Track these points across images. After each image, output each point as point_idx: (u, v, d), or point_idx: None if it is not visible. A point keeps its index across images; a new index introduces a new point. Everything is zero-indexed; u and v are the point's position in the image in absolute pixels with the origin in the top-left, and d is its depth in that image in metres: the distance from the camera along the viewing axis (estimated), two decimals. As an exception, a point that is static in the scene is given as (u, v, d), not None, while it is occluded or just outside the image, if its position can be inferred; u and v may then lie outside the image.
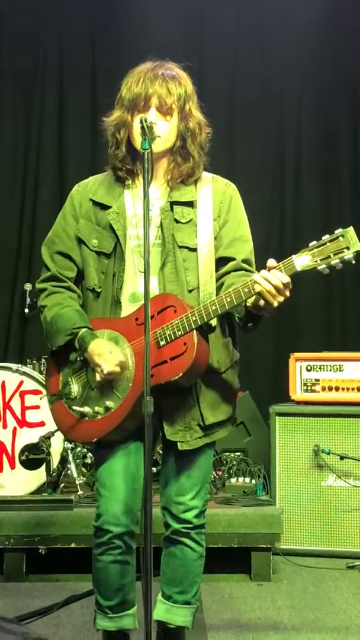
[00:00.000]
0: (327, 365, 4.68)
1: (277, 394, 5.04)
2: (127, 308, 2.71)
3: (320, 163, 5.94)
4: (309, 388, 4.69)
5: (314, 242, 2.44)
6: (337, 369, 4.67)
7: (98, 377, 2.64)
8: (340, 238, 2.40)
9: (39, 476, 4.45)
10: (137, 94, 2.65)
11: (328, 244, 2.41)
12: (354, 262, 2.41)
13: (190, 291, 2.68)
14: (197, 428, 2.70)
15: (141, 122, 2.52)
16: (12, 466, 4.51)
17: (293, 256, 2.45)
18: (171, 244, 2.70)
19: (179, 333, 2.55)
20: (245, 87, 5.96)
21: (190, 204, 2.74)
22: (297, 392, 4.70)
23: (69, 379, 2.74)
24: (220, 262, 2.74)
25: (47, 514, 4.13)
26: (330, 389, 4.66)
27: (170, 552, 2.81)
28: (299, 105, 5.95)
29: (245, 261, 2.74)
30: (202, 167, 2.78)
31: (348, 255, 2.39)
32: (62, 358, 2.76)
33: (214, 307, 2.53)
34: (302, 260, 2.44)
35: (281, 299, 2.47)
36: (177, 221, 2.71)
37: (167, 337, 2.56)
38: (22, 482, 4.48)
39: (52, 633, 3.41)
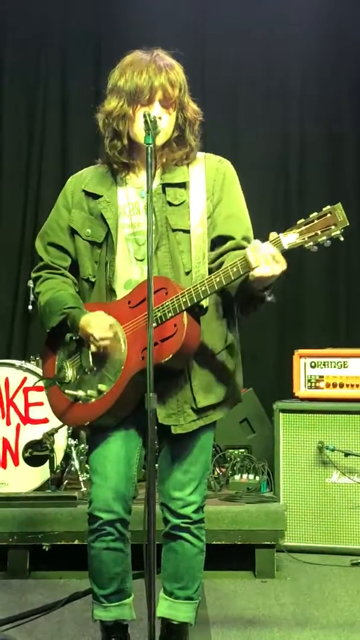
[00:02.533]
0: (331, 362, 4.67)
1: (281, 390, 5.02)
2: (122, 295, 2.70)
3: (323, 160, 5.92)
4: (313, 384, 4.68)
5: (302, 220, 2.42)
6: (341, 365, 4.66)
7: (93, 348, 2.64)
8: (328, 215, 2.39)
9: (43, 473, 4.44)
10: (141, 87, 2.63)
11: (316, 221, 2.40)
12: (342, 239, 2.39)
13: (187, 273, 2.67)
14: (190, 411, 2.67)
15: (145, 117, 2.49)
16: (16, 463, 4.50)
17: (280, 234, 2.43)
18: (164, 227, 2.68)
19: (170, 315, 2.53)
20: (248, 84, 5.95)
21: (182, 185, 2.72)
22: (301, 389, 4.69)
23: (64, 363, 2.76)
24: (219, 240, 2.71)
25: (50, 511, 4.13)
26: (334, 385, 4.65)
27: (171, 547, 2.80)
28: (302, 102, 5.93)
29: (244, 239, 2.70)
30: (197, 150, 2.77)
31: (335, 232, 2.37)
32: (57, 343, 2.79)
33: (203, 288, 2.51)
34: (289, 238, 2.42)
35: (276, 268, 2.42)
36: (170, 204, 2.70)
37: (158, 319, 2.54)
38: (26, 478, 4.47)
39: (55, 630, 3.41)
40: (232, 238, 2.70)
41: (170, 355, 2.51)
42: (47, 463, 4.38)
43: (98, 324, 2.62)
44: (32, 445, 4.43)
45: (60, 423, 4.45)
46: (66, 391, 2.72)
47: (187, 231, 2.68)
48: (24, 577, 4.09)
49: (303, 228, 2.41)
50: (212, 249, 2.71)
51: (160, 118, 2.61)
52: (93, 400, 2.66)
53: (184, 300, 2.51)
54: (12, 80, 5.89)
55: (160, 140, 2.62)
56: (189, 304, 2.52)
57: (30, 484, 4.46)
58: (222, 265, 2.61)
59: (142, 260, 2.67)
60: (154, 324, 2.51)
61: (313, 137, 5.93)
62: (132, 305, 2.62)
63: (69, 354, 2.76)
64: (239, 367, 2.84)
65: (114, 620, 2.79)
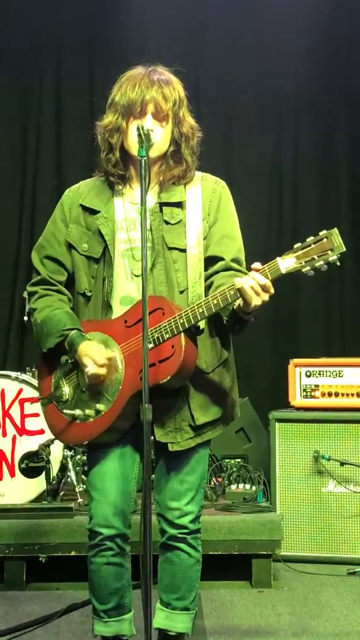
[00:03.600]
0: (326, 371, 4.68)
1: (276, 400, 5.03)
2: (119, 311, 2.72)
3: (318, 166, 5.96)
4: (308, 394, 4.69)
5: (299, 244, 2.44)
6: (336, 374, 4.66)
7: (86, 378, 2.66)
8: (324, 239, 2.40)
9: (39, 484, 4.44)
10: (133, 100, 2.66)
11: (312, 245, 2.41)
12: (338, 264, 2.41)
13: (181, 292, 2.69)
14: (187, 429, 2.70)
15: (138, 129, 2.52)
16: (12, 474, 4.50)
17: (278, 258, 2.45)
18: (160, 246, 2.70)
19: (167, 336, 2.55)
20: (242, 91, 5.98)
21: (179, 205, 2.74)
22: (296, 398, 4.70)
23: (60, 381, 2.76)
24: (210, 260, 2.73)
25: (47, 522, 4.12)
26: (330, 394, 4.65)
27: (167, 558, 2.80)
28: (296, 109, 5.97)
29: (234, 260, 2.74)
30: (194, 170, 2.79)
31: (332, 257, 2.39)
32: (53, 361, 2.77)
33: (200, 310, 2.53)
34: (286, 263, 2.44)
35: (259, 301, 2.46)
36: (166, 222, 2.72)
37: (156, 339, 2.55)
38: (22, 490, 4.47)
39: (52, 641, 3.41)
40: (222, 259, 2.72)
41: (169, 377, 2.54)
42: (44, 474, 4.38)
43: (95, 360, 2.63)
44: (28, 456, 4.44)
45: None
46: (64, 411, 2.72)
47: (183, 250, 2.71)
48: (21, 589, 4.08)
49: (300, 252, 2.42)
50: (205, 268, 2.73)
51: (152, 130, 2.62)
52: (91, 419, 2.67)
53: (182, 321, 2.53)
54: (6, 91, 5.91)
55: (154, 152, 2.64)
56: (187, 326, 2.53)
57: (26, 495, 4.46)
58: (211, 286, 2.67)
59: (139, 276, 2.67)
60: (151, 345, 2.53)
61: (307, 148, 5.96)
62: (128, 324, 2.64)
63: (65, 372, 2.76)
64: (235, 382, 2.86)
65: (114, 635, 2.80)
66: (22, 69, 5.92)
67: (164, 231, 2.71)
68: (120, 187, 2.79)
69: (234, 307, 2.54)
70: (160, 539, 2.80)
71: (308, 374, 4.70)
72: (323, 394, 4.66)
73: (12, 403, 4.55)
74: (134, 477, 2.76)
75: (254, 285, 2.44)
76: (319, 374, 4.69)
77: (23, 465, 4.46)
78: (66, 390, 2.74)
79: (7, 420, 4.55)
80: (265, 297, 2.46)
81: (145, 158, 2.49)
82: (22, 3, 5.86)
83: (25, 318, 5.31)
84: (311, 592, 4.04)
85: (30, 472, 4.45)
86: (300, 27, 5.88)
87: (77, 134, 5.85)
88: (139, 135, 2.51)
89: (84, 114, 5.82)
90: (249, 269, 2.52)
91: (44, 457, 4.36)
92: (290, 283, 5.41)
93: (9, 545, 4.08)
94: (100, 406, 2.65)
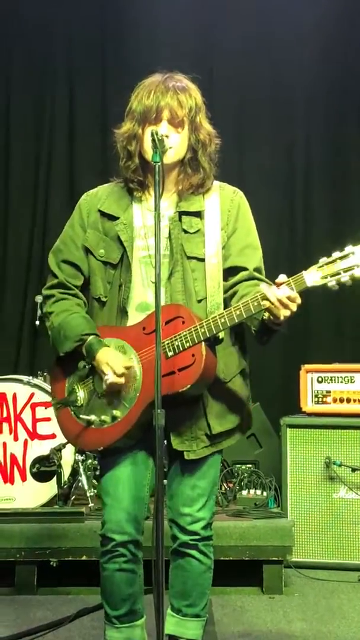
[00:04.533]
0: (338, 377, 4.67)
1: (288, 405, 5.03)
2: (135, 317, 2.72)
3: (330, 171, 5.93)
4: (320, 399, 4.68)
5: (324, 259, 2.46)
6: (348, 380, 4.66)
7: (104, 385, 2.66)
8: (351, 255, 2.43)
9: (50, 488, 4.44)
10: (149, 107, 2.67)
11: (338, 261, 2.44)
12: None
13: (199, 301, 2.70)
14: (203, 437, 2.70)
15: (152, 135, 2.52)
16: (24, 478, 4.51)
17: (304, 272, 2.47)
18: (179, 255, 2.71)
19: (187, 344, 2.56)
20: (254, 102, 5.97)
21: (198, 214, 2.75)
22: (308, 404, 4.69)
23: (75, 386, 2.75)
24: (232, 271, 2.75)
25: (58, 527, 4.13)
26: (341, 400, 4.65)
27: (179, 564, 2.80)
28: (308, 114, 5.95)
29: (256, 270, 2.77)
30: (213, 178, 2.80)
31: (359, 272, 2.42)
32: (68, 364, 2.77)
33: (222, 320, 2.55)
34: (312, 277, 2.47)
35: (287, 312, 2.49)
36: (185, 231, 2.73)
37: (176, 348, 2.58)
38: (33, 494, 4.48)
39: (63, 646, 3.42)
40: (245, 269, 2.74)
41: (189, 385, 2.56)
42: (55, 478, 4.38)
43: (114, 369, 2.63)
44: (39, 460, 4.44)
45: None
46: (80, 416, 2.71)
47: (202, 259, 2.71)
48: (32, 593, 4.08)
49: (325, 267, 2.45)
50: (225, 279, 2.74)
51: (167, 136, 2.63)
52: (106, 425, 2.67)
53: (202, 331, 2.55)
54: (19, 96, 5.94)
55: (170, 159, 2.65)
56: (208, 335, 2.55)
57: (37, 499, 4.46)
58: (234, 296, 2.69)
59: (155, 283, 2.69)
60: (171, 353, 2.57)
61: (319, 155, 5.94)
62: (147, 332, 2.64)
63: (80, 377, 2.75)
64: (250, 391, 2.89)
65: None
66: (34, 73, 5.94)
67: (183, 240, 2.72)
68: (139, 194, 2.79)
69: (264, 318, 2.55)
70: (172, 545, 2.80)
71: (320, 379, 4.70)
72: (335, 400, 4.65)
73: (23, 407, 4.56)
74: (147, 483, 2.75)
75: (282, 298, 2.46)
76: (331, 379, 4.68)
77: (34, 470, 4.46)
78: (81, 395, 2.73)
79: (19, 424, 4.56)
80: (294, 307, 2.48)
81: (159, 163, 2.49)
82: (33, 12, 5.88)
83: (37, 323, 5.34)
84: (322, 599, 4.03)
85: (41, 476, 4.45)
86: (313, 35, 5.85)
87: (89, 139, 5.87)
88: (153, 140, 2.51)
89: (95, 124, 5.85)
90: (273, 276, 2.54)
91: (56, 461, 4.36)
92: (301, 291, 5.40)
93: (20, 550, 4.09)
94: (116, 412, 2.65)
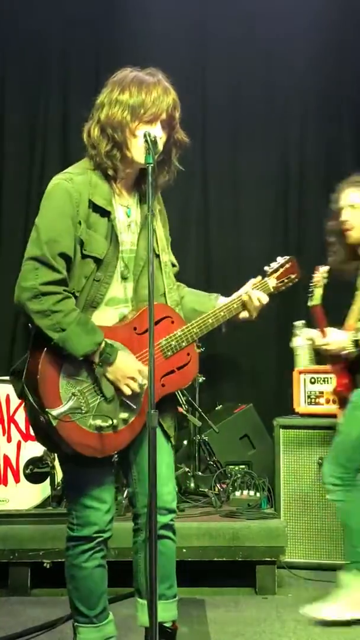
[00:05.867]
0: (331, 378, 4.67)
1: (281, 406, 5.04)
2: (103, 312, 2.71)
3: (323, 172, 5.94)
4: (313, 400, 4.69)
5: (273, 267, 3.01)
6: (341, 381, 4.66)
7: (129, 390, 2.63)
8: (289, 264, 3.02)
9: (44, 490, 4.45)
10: (147, 104, 2.64)
11: (281, 269, 3.01)
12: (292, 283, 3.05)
13: (161, 295, 2.81)
14: (175, 425, 2.93)
15: (146, 136, 2.53)
16: (17, 480, 4.51)
17: (267, 278, 2.96)
18: (149, 252, 2.69)
19: (184, 344, 2.74)
20: (248, 104, 5.97)
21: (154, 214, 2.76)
22: (301, 405, 4.71)
23: (75, 391, 2.61)
24: None
25: (51, 528, 4.13)
26: (334, 401, 4.64)
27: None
28: (302, 122, 5.96)
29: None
30: (173, 177, 2.85)
31: (294, 280, 3.03)
32: (56, 368, 2.61)
33: (210, 321, 2.80)
34: (271, 282, 2.98)
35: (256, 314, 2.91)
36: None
37: (173, 347, 2.73)
38: (27, 495, 4.48)
39: (56, 647, 3.41)
40: (175, 265, 2.98)
41: (189, 382, 2.76)
42: (48, 480, 4.39)
43: (142, 370, 2.64)
44: (33, 462, 4.44)
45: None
46: (91, 422, 2.61)
47: (157, 255, 2.82)
48: (25, 595, 4.09)
49: (275, 274, 3.00)
50: None
51: (160, 138, 2.65)
52: (119, 429, 2.66)
53: (195, 331, 2.78)
54: (13, 98, 5.94)
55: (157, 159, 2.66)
56: (200, 335, 2.80)
57: (31, 501, 4.46)
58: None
59: (125, 279, 2.75)
60: (170, 353, 2.73)
61: (312, 156, 5.95)
62: (138, 331, 2.68)
63: (78, 382, 2.62)
64: None
65: (105, 638, 2.84)
66: (28, 75, 5.94)
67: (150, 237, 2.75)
68: (115, 185, 2.76)
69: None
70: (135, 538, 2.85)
71: (312, 380, 4.71)
72: (327, 401, 4.66)
73: (17, 408, 4.56)
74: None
75: (259, 304, 2.90)
76: (324, 380, 4.69)
77: (28, 471, 4.46)
78: (85, 401, 2.62)
79: (12, 426, 4.56)
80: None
81: (152, 165, 2.50)
82: (28, 13, 5.88)
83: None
84: (315, 599, 4.03)
85: (35, 477, 4.45)
86: (307, 37, 5.86)
87: (82, 141, 5.87)
88: (146, 141, 2.52)
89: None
90: (246, 280, 2.96)
91: (49, 462, 4.36)
92: (293, 289, 5.42)
93: (13, 551, 4.09)
94: (124, 415, 2.67)
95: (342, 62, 5.93)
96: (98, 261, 2.68)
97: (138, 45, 5.71)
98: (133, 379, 2.63)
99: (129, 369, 2.63)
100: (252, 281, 2.94)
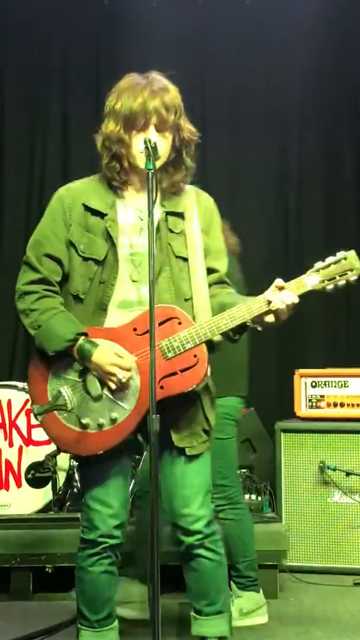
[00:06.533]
0: (332, 382, 4.69)
1: (282, 410, 5.04)
2: (114, 315, 2.70)
3: (323, 180, 5.96)
4: (314, 404, 4.69)
5: (320, 263, 2.63)
6: (342, 384, 4.67)
7: (113, 386, 2.62)
8: (343, 260, 2.61)
9: (45, 494, 4.45)
10: (135, 112, 2.66)
11: (332, 265, 2.61)
12: (353, 278, 2.63)
13: (185, 300, 2.72)
14: (201, 432, 2.74)
15: (145, 142, 2.53)
16: (19, 484, 4.52)
17: (304, 276, 2.62)
18: (167, 254, 2.73)
19: (189, 345, 2.60)
20: (248, 106, 5.98)
21: (181, 215, 2.78)
22: (302, 409, 4.71)
23: (61, 389, 2.65)
24: (207, 272, 2.81)
25: (53, 533, 4.13)
26: (335, 405, 4.66)
27: (190, 567, 2.81)
28: (301, 122, 5.97)
29: (226, 274, 2.88)
30: (190, 177, 2.83)
31: (353, 276, 2.60)
32: (45, 366, 2.68)
33: (224, 321, 2.60)
34: (312, 280, 2.62)
35: (287, 316, 2.63)
36: (171, 231, 2.76)
37: (176, 349, 2.60)
38: (29, 500, 4.48)
39: (59, 652, 3.41)
40: (218, 271, 2.84)
41: (194, 385, 2.61)
42: (50, 484, 4.39)
43: (119, 364, 2.60)
44: (34, 466, 4.45)
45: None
46: (81, 420, 2.62)
47: (186, 259, 2.75)
48: (27, 599, 4.09)
49: (322, 271, 2.62)
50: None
51: (161, 142, 2.66)
52: (105, 428, 2.63)
53: (204, 332, 2.61)
54: (13, 100, 5.97)
55: (157, 164, 2.63)
56: (209, 336, 2.61)
57: (33, 505, 4.47)
58: (213, 297, 2.77)
59: (136, 281, 2.71)
60: (171, 354, 2.61)
61: (312, 159, 5.96)
62: (139, 332, 2.63)
63: (65, 380, 2.67)
64: None
65: None
66: (29, 81, 5.97)
67: (170, 239, 2.75)
68: (122, 191, 2.79)
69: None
70: (179, 550, 2.82)
71: (313, 384, 4.71)
72: (329, 405, 4.66)
73: (18, 413, 4.57)
74: (129, 484, 2.82)
75: (289, 303, 2.60)
76: (325, 384, 4.69)
77: (29, 476, 4.47)
78: (69, 398, 2.64)
79: (14, 431, 4.56)
80: (291, 312, 2.64)
81: (152, 171, 2.50)
82: (29, 15, 5.91)
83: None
84: (317, 603, 4.04)
85: (36, 482, 4.46)
86: (306, 38, 5.87)
87: (82, 143, 5.88)
88: (146, 148, 2.52)
89: (89, 126, 5.84)
90: (267, 282, 2.64)
91: (51, 467, 4.37)
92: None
93: (15, 556, 4.09)
94: (114, 415, 2.62)
95: (343, 62, 5.93)
96: (99, 263, 2.71)
97: (139, 46, 5.74)
98: (112, 374, 2.60)
99: (106, 364, 2.60)
100: (279, 280, 2.62)
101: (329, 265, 2.61)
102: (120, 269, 2.72)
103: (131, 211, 2.77)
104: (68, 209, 2.76)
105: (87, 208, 2.75)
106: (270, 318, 2.63)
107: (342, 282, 2.60)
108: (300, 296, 2.60)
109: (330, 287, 2.62)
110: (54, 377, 2.68)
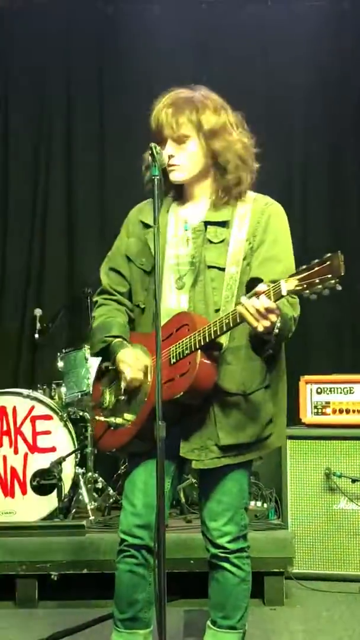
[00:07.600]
0: (337, 388, 4.67)
1: (287, 417, 4.98)
2: (163, 322, 2.72)
3: (327, 187, 5.96)
4: (319, 411, 4.68)
5: (303, 266, 2.37)
6: (347, 391, 4.66)
7: (123, 384, 2.70)
8: (328, 263, 2.32)
9: (51, 502, 4.45)
10: (153, 127, 2.74)
11: (316, 268, 2.33)
12: (338, 288, 2.33)
13: (216, 311, 2.68)
14: (213, 448, 2.69)
15: (152, 149, 2.55)
16: (24, 492, 4.51)
17: (282, 280, 2.39)
18: (201, 264, 2.72)
19: (187, 352, 2.60)
20: (250, 113, 5.98)
21: (224, 224, 2.74)
22: (307, 415, 4.70)
23: (104, 389, 2.86)
24: (252, 282, 2.69)
25: (58, 540, 4.13)
26: (340, 411, 4.65)
27: (213, 576, 2.83)
28: (305, 130, 5.98)
29: (272, 281, 2.58)
30: (248, 183, 2.80)
31: (331, 282, 2.31)
32: (107, 369, 2.89)
33: (214, 328, 2.54)
34: (289, 285, 2.37)
35: (267, 323, 2.43)
36: (210, 241, 2.74)
37: (178, 354, 2.64)
38: (34, 507, 4.48)
39: (64, 660, 3.40)
40: (261, 280, 2.60)
41: (182, 392, 2.57)
42: (55, 492, 4.39)
43: (132, 364, 2.70)
44: (39, 474, 4.45)
45: (68, 451, 4.49)
46: (101, 418, 2.81)
47: (223, 269, 2.71)
48: (33, 607, 4.08)
49: (303, 275, 2.35)
50: (246, 291, 2.60)
51: (172, 156, 2.69)
52: (120, 428, 2.73)
53: (199, 338, 2.57)
54: (16, 116, 5.98)
55: (180, 178, 2.74)
56: (202, 343, 2.57)
57: (38, 512, 4.46)
58: None
59: (180, 289, 2.76)
60: (174, 360, 2.64)
61: (314, 157, 5.97)
62: (163, 337, 2.64)
63: (109, 381, 2.86)
64: (283, 409, 2.94)
65: None
66: (32, 95, 5.99)
67: (205, 250, 2.73)
68: (172, 205, 2.85)
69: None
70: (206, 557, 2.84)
71: (319, 390, 4.70)
72: (334, 411, 4.65)
73: (23, 420, 4.57)
74: (165, 490, 2.64)
75: (252, 310, 2.41)
76: (330, 390, 4.68)
77: (35, 483, 4.47)
78: (107, 398, 2.83)
79: (19, 438, 4.56)
80: (273, 317, 2.42)
81: (157, 177, 2.52)
82: (31, 34, 5.95)
83: (37, 336, 5.34)
84: (324, 610, 4.02)
85: (42, 489, 4.46)
86: (309, 45, 5.89)
87: (86, 159, 5.91)
88: (151, 154, 2.54)
89: (92, 136, 5.89)
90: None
91: (56, 474, 4.37)
92: (300, 298, 5.41)
93: (20, 563, 4.08)
94: (128, 416, 2.70)
95: (344, 61, 5.95)
96: (148, 273, 2.82)
97: (140, 61, 5.75)
98: (122, 372, 2.70)
99: (120, 364, 2.73)
100: (261, 286, 2.44)
101: (312, 268, 2.32)
102: (166, 279, 2.77)
103: (180, 223, 2.82)
104: (131, 225, 2.93)
105: (142, 222, 2.88)
106: (253, 324, 2.43)
107: (320, 287, 2.31)
108: (306, 300, 2.41)
109: (307, 292, 2.34)
110: (104, 378, 2.90)
